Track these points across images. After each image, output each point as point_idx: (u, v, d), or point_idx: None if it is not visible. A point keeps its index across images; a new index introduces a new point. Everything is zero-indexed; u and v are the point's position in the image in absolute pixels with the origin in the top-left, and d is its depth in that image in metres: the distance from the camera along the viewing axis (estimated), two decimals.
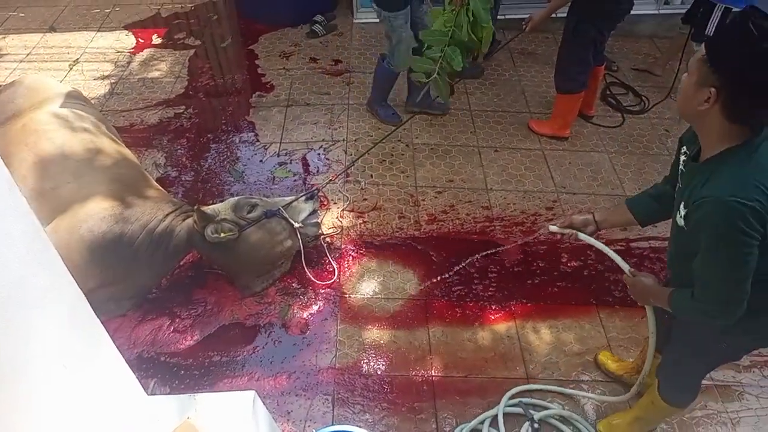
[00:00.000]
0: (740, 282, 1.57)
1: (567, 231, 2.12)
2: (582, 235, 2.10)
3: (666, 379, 2.18)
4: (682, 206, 1.67)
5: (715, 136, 1.56)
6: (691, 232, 1.62)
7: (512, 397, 2.59)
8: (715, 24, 3.98)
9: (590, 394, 2.63)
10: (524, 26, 3.71)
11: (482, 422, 2.51)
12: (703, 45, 1.52)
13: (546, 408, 2.57)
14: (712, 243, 1.56)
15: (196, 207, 2.66)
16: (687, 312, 1.78)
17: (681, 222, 1.68)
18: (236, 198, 2.85)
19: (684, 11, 4.32)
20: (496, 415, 2.51)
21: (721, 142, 1.55)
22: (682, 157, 1.78)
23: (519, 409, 2.54)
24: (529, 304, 3.00)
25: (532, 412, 2.51)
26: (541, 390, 2.65)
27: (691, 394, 2.22)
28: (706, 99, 1.49)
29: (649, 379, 2.35)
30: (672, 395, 2.20)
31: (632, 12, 3.78)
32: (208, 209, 2.72)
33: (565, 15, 3.67)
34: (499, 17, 4.62)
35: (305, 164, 3.83)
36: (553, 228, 2.13)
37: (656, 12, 5.12)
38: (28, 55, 4.85)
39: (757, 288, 1.59)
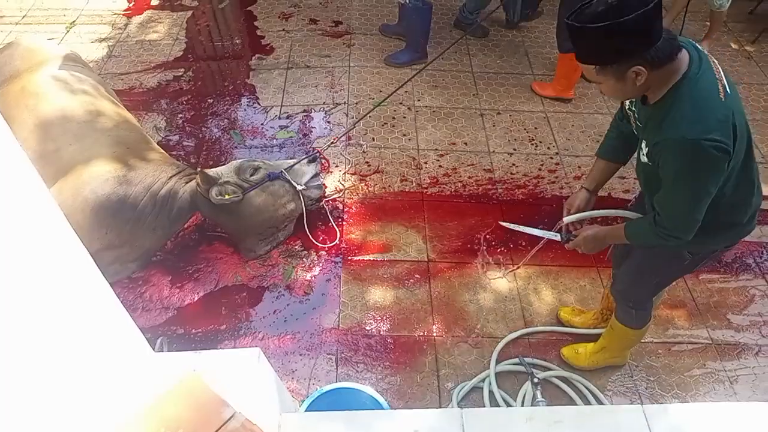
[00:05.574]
0: (700, 212, 1.68)
1: (581, 215, 2.14)
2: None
3: (621, 297, 2.29)
4: (644, 145, 1.75)
5: (656, 86, 1.63)
6: (655, 167, 1.70)
7: (506, 344, 2.68)
8: None
9: (582, 330, 2.72)
10: None
11: (483, 380, 2.55)
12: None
13: (548, 369, 2.61)
14: (677, 180, 1.64)
15: (199, 169, 2.65)
16: (644, 239, 1.89)
17: (644, 159, 1.77)
18: (239, 161, 2.84)
19: None
20: (497, 373, 2.55)
21: (662, 87, 1.62)
22: (627, 103, 1.86)
23: (520, 368, 2.58)
24: (530, 266, 3.02)
25: (533, 370, 2.55)
26: (538, 332, 2.76)
27: (645, 312, 2.31)
28: (636, 77, 1.56)
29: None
30: (626, 315, 2.31)
31: None
32: (211, 172, 2.72)
33: None
34: None
35: (306, 127, 3.81)
36: (568, 219, 2.14)
37: None
38: (23, 17, 4.77)
39: (725, 207, 1.74)
